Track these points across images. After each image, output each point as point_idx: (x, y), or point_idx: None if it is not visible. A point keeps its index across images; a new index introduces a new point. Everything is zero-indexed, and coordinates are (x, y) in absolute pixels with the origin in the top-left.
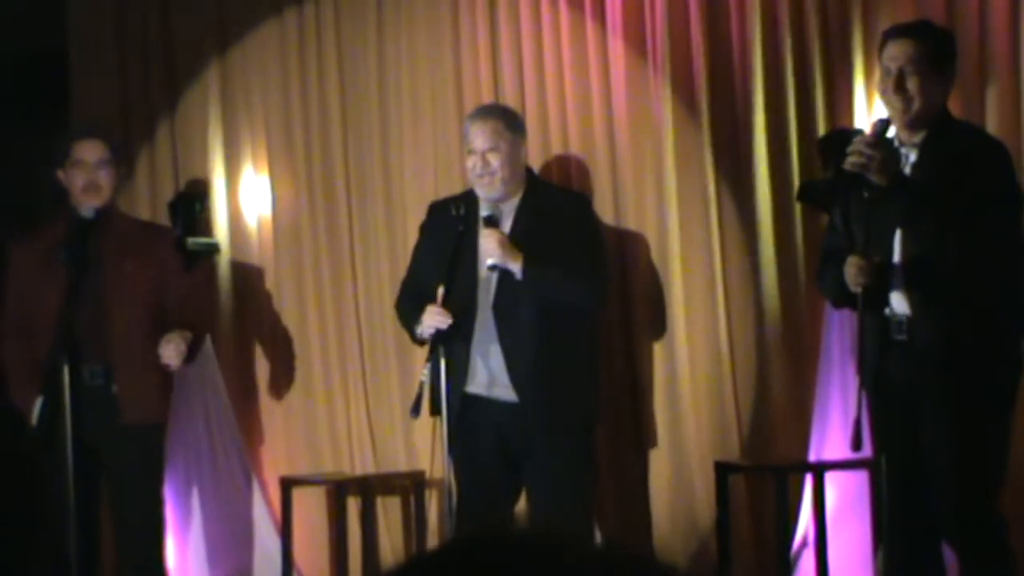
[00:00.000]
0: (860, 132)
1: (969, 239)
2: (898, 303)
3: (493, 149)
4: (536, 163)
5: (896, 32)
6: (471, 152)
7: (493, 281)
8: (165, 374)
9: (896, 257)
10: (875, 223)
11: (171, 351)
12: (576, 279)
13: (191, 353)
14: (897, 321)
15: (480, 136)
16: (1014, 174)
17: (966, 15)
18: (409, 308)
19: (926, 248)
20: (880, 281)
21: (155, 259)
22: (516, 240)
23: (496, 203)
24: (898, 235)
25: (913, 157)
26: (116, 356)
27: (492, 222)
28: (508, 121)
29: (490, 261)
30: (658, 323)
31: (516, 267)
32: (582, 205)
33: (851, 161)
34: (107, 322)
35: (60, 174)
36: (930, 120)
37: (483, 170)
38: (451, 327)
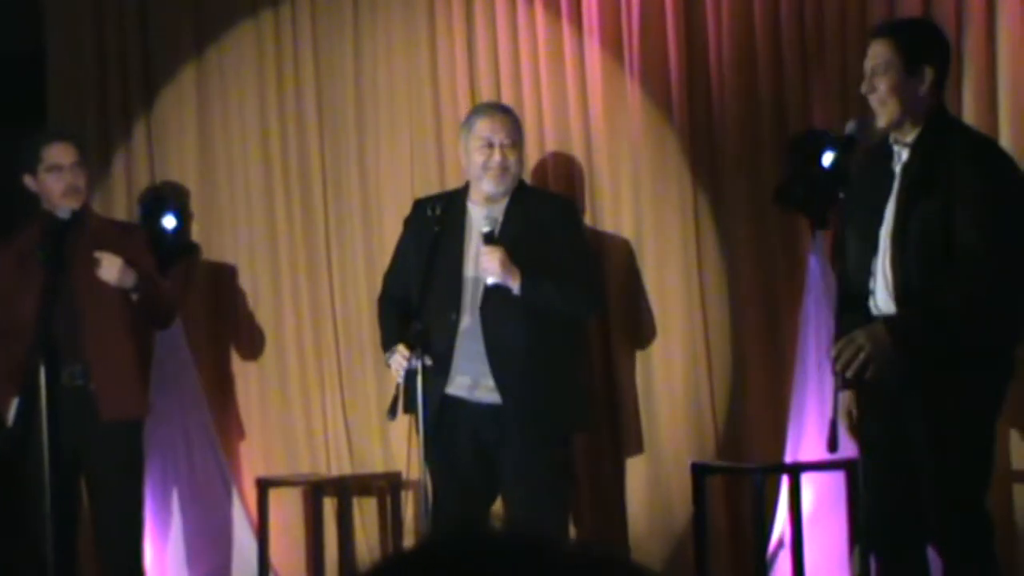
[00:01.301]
0: (831, 134)
1: (967, 248)
2: (884, 302)
3: (512, 145)
4: None
5: (873, 32)
6: (487, 144)
7: (480, 284)
8: (142, 370)
9: (882, 254)
10: (866, 218)
11: (108, 263)
12: (572, 291)
13: (149, 303)
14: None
15: (503, 129)
16: (1011, 172)
17: (942, 9)
18: (387, 315)
19: (914, 248)
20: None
21: (129, 257)
22: (504, 246)
23: (489, 201)
24: (883, 233)
25: (904, 156)
26: (92, 355)
27: (492, 239)
28: (517, 121)
29: (491, 280)
30: (634, 325)
31: (515, 285)
32: (571, 211)
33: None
34: (83, 322)
35: (28, 180)
36: (920, 118)
37: (502, 163)
38: (425, 336)
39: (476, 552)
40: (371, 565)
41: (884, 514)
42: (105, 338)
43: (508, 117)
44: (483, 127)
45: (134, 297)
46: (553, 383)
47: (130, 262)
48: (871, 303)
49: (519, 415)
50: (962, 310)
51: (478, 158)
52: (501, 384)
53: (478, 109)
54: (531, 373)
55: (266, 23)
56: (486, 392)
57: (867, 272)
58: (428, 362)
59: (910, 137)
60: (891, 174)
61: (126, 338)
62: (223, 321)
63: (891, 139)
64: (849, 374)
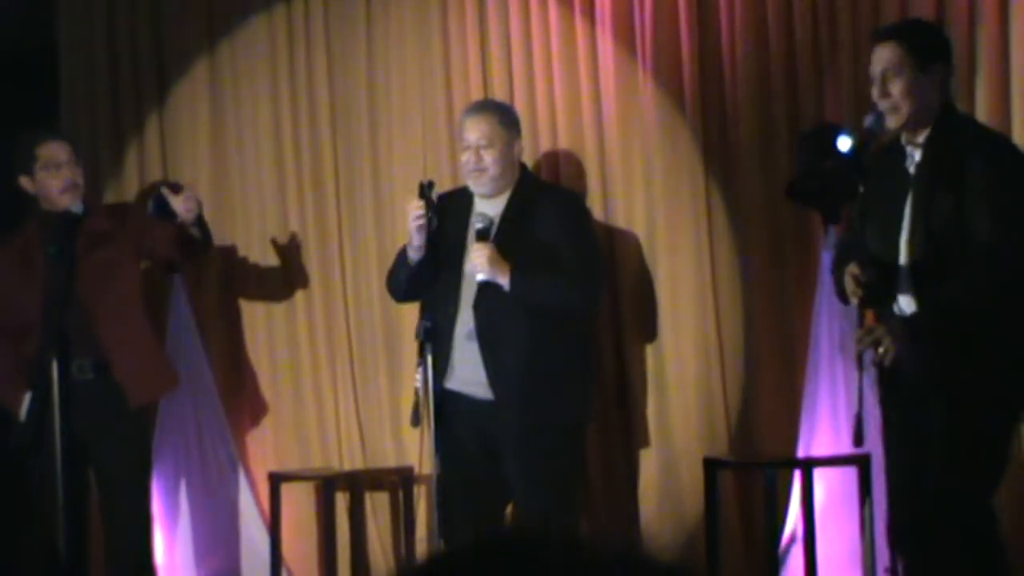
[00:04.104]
0: (844, 130)
1: (981, 240)
2: (906, 303)
3: (487, 145)
4: (525, 160)
5: (877, 36)
6: (466, 146)
7: (475, 281)
8: (159, 348)
9: (903, 258)
10: (884, 221)
11: (185, 202)
12: (565, 284)
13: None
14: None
15: (475, 131)
16: (1022, 165)
17: (955, 7)
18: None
19: (934, 248)
20: (882, 283)
21: (127, 231)
22: (503, 241)
23: (487, 197)
24: (903, 236)
25: (917, 156)
26: (110, 347)
27: (483, 235)
28: (502, 117)
29: (479, 277)
30: (647, 320)
31: (504, 280)
32: (574, 203)
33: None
34: (93, 316)
35: (24, 181)
36: (930, 118)
37: (476, 165)
38: (434, 333)
39: (517, 553)
40: (409, 568)
41: (907, 507)
42: (119, 329)
43: (483, 116)
44: (464, 128)
45: (194, 232)
46: (552, 378)
47: (137, 230)
48: (895, 306)
49: (513, 410)
50: (975, 303)
51: (462, 158)
52: (493, 382)
53: (464, 110)
54: (527, 369)
55: (279, 18)
56: (481, 388)
57: (889, 274)
58: (429, 325)
59: (921, 136)
60: (906, 175)
61: (139, 324)
62: (235, 316)
63: (903, 139)
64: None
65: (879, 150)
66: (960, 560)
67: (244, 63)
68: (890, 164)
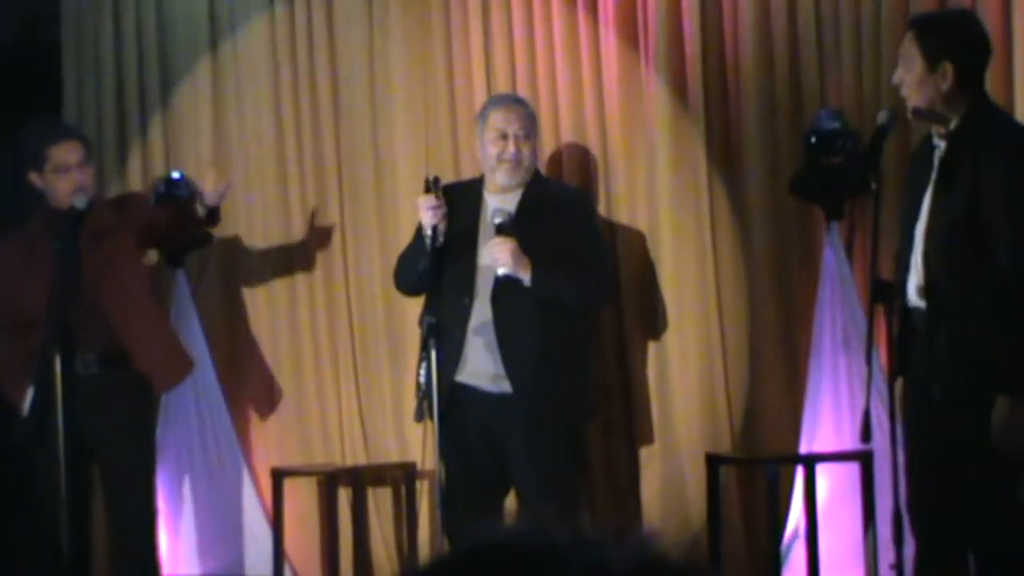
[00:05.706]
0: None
1: (990, 243)
2: (913, 296)
3: (526, 137)
4: None
5: (907, 23)
6: (502, 136)
7: (492, 273)
8: (172, 332)
9: (918, 248)
10: (908, 211)
11: (215, 187)
12: (583, 281)
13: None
14: (919, 313)
15: (515, 121)
16: None
17: (957, 2)
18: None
19: (945, 241)
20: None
21: (129, 221)
22: (519, 236)
23: (503, 191)
24: (920, 226)
25: (943, 148)
26: (127, 339)
27: (504, 230)
28: (532, 112)
29: (501, 271)
30: (649, 316)
31: (526, 276)
32: (586, 202)
33: None
34: (103, 309)
35: (34, 177)
36: (954, 111)
37: (516, 156)
38: (437, 330)
39: (540, 553)
40: (424, 565)
41: (923, 504)
42: (133, 320)
43: (522, 109)
44: (497, 119)
45: (200, 210)
46: (563, 373)
47: (137, 219)
48: (906, 299)
49: (529, 405)
50: (997, 320)
51: (492, 150)
52: (511, 374)
53: (492, 100)
54: (541, 363)
55: (281, 17)
56: (495, 381)
57: (906, 265)
58: (433, 321)
59: (946, 129)
60: (932, 166)
61: (151, 313)
62: (238, 313)
63: (933, 130)
64: None
65: (919, 143)
66: (993, 558)
67: (246, 62)
68: (923, 155)
